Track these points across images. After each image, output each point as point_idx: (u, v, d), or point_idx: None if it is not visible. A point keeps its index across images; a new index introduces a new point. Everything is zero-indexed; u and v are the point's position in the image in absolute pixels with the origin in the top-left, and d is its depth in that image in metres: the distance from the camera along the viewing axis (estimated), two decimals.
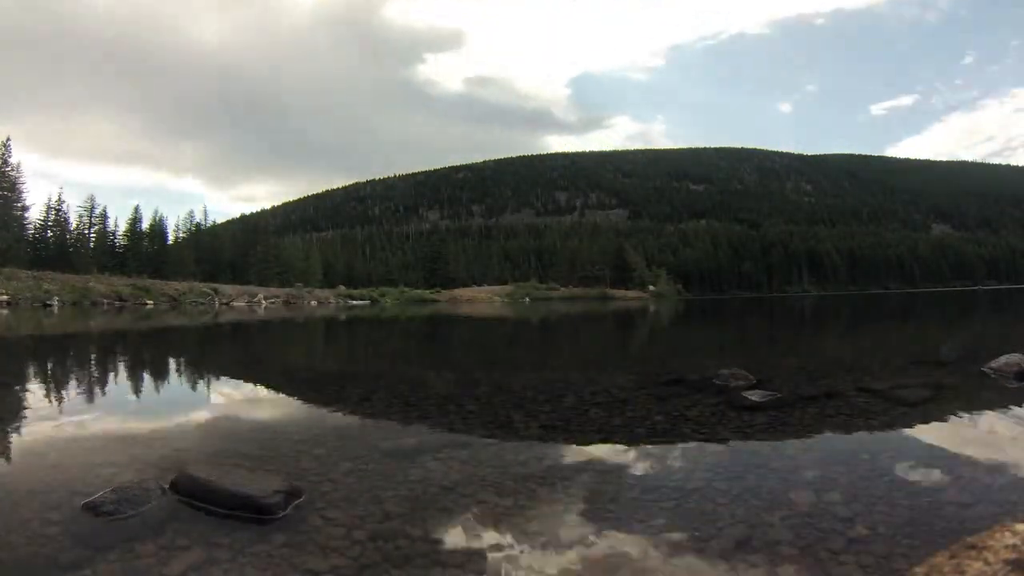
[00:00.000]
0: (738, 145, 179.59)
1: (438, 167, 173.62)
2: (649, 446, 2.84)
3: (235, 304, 35.85)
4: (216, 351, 9.66)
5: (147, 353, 9.04)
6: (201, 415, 3.68)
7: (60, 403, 4.33)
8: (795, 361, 6.86)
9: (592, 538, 1.79)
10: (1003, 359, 4.63)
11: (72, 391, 4.91)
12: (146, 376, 5.85)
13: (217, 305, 34.58)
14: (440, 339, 13.14)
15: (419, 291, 55.96)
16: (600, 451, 2.79)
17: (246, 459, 2.62)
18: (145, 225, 58.98)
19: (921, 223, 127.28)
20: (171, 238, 61.98)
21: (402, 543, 1.76)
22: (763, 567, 1.58)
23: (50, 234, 52.03)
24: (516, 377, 5.77)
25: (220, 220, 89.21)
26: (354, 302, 44.28)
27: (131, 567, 1.61)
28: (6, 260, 37.00)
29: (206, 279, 46.38)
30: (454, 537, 1.80)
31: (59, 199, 52.99)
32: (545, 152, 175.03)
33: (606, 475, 2.39)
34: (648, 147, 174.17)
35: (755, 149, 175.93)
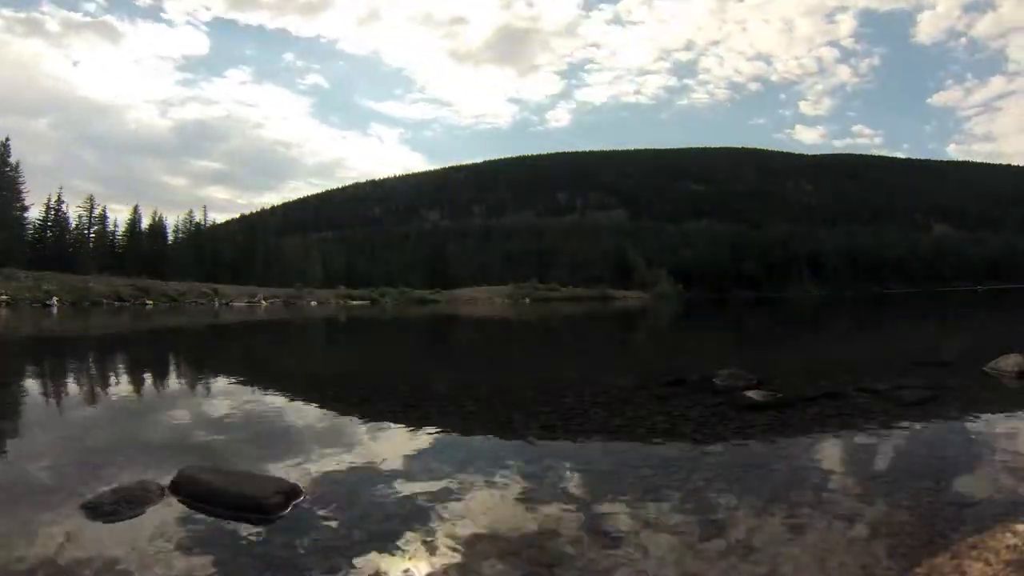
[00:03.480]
0: (738, 145, 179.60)
1: (438, 167, 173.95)
2: (650, 446, 2.83)
3: (235, 304, 35.83)
4: (216, 352, 9.66)
5: (146, 354, 9.04)
6: (201, 416, 3.67)
7: (60, 404, 4.33)
8: (796, 361, 6.86)
9: (592, 539, 1.79)
10: (1003, 359, 4.63)
11: (72, 392, 4.91)
12: (146, 377, 5.85)
13: (217, 305, 34.58)
14: (440, 340, 13.13)
15: (419, 291, 55.87)
16: (600, 451, 2.79)
17: (246, 459, 2.62)
18: (144, 225, 59.00)
19: (921, 223, 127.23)
20: (171, 238, 61.99)
21: (402, 543, 1.76)
22: (764, 566, 1.58)
23: (50, 234, 51.98)
24: (516, 377, 5.78)
25: (220, 220, 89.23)
26: (354, 302, 44.25)
27: (131, 568, 1.60)
28: (6, 260, 36.97)
29: (206, 279, 46.29)
30: (453, 537, 1.80)
31: (58, 199, 52.95)
32: (545, 152, 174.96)
33: (607, 475, 2.39)
34: (649, 147, 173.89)
35: (755, 149, 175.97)
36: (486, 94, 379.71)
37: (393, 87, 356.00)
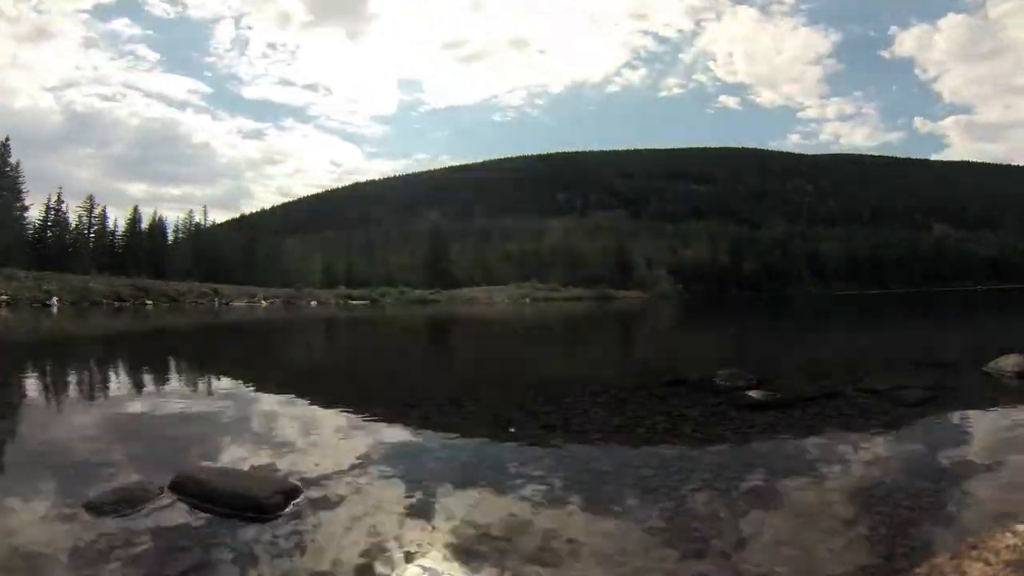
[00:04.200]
0: (738, 145, 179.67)
1: (438, 167, 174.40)
2: (649, 446, 2.83)
3: (235, 304, 35.82)
4: (216, 352, 9.66)
5: (147, 354, 9.04)
6: (201, 416, 3.67)
7: (60, 404, 4.33)
8: (795, 361, 6.86)
9: (592, 539, 1.79)
10: (1003, 359, 4.63)
11: (72, 392, 4.91)
12: (146, 377, 5.85)
13: (217, 305, 34.57)
14: (440, 340, 13.14)
15: (419, 291, 55.82)
16: (600, 451, 2.79)
17: (246, 460, 2.62)
18: (144, 225, 59.00)
19: (921, 223, 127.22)
20: (171, 238, 61.99)
21: (403, 544, 1.76)
22: (764, 567, 1.58)
23: (49, 234, 51.97)
24: (516, 377, 5.77)
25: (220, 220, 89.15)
26: (354, 302, 44.24)
27: (131, 568, 1.60)
28: (6, 260, 36.96)
29: (206, 279, 46.27)
30: (455, 537, 1.80)
31: (58, 199, 52.94)
32: (544, 153, 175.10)
33: (606, 475, 2.39)
34: (649, 147, 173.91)
35: (755, 149, 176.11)
36: (341, 68, 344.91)
37: (235, 65, 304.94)
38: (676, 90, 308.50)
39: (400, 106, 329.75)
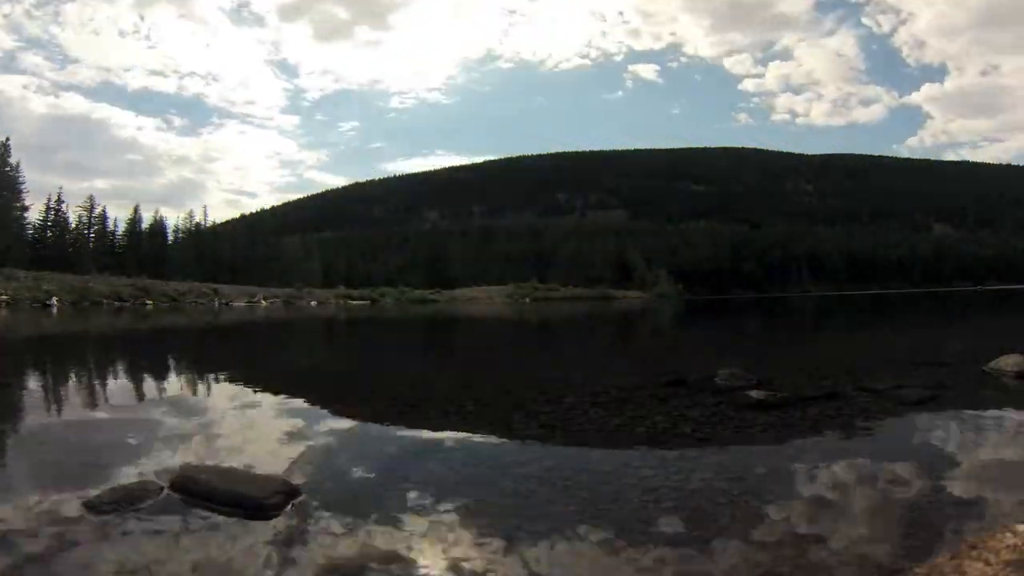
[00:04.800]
0: (738, 145, 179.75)
1: (438, 167, 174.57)
2: (649, 446, 2.83)
3: (235, 304, 35.79)
4: (216, 352, 9.66)
5: (147, 354, 9.04)
6: (201, 415, 3.68)
7: (60, 404, 4.33)
8: (796, 361, 6.86)
9: (592, 538, 1.79)
10: (1003, 359, 4.62)
11: (72, 392, 4.91)
12: (146, 377, 5.85)
13: (217, 305, 34.56)
14: (440, 340, 13.14)
15: (419, 291, 55.79)
16: (600, 451, 2.79)
17: (246, 459, 2.62)
18: (145, 225, 59.00)
19: (921, 223, 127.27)
20: (171, 238, 61.99)
21: (403, 544, 1.76)
22: (764, 567, 1.58)
23: (49, 234, 51.96)
24: (516, 377, 5.78)
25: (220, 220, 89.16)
26: (354, 302, 44.23)
27: (130, 567, 1.60)
28: (5, 260, 36.95)
29: (206, 279, 46.22)
30: (455, 538, 1.80)
31: (58, 199, 52.93)
32: (544, 152, 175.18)
33: (606, 475, 2.39)
34: (649, 147, 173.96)
35: (755, 149, 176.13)
36: (203, 53, 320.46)
37: (109, 52, 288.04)
38: (578, 60, 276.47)
39: (289, 96, 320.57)
